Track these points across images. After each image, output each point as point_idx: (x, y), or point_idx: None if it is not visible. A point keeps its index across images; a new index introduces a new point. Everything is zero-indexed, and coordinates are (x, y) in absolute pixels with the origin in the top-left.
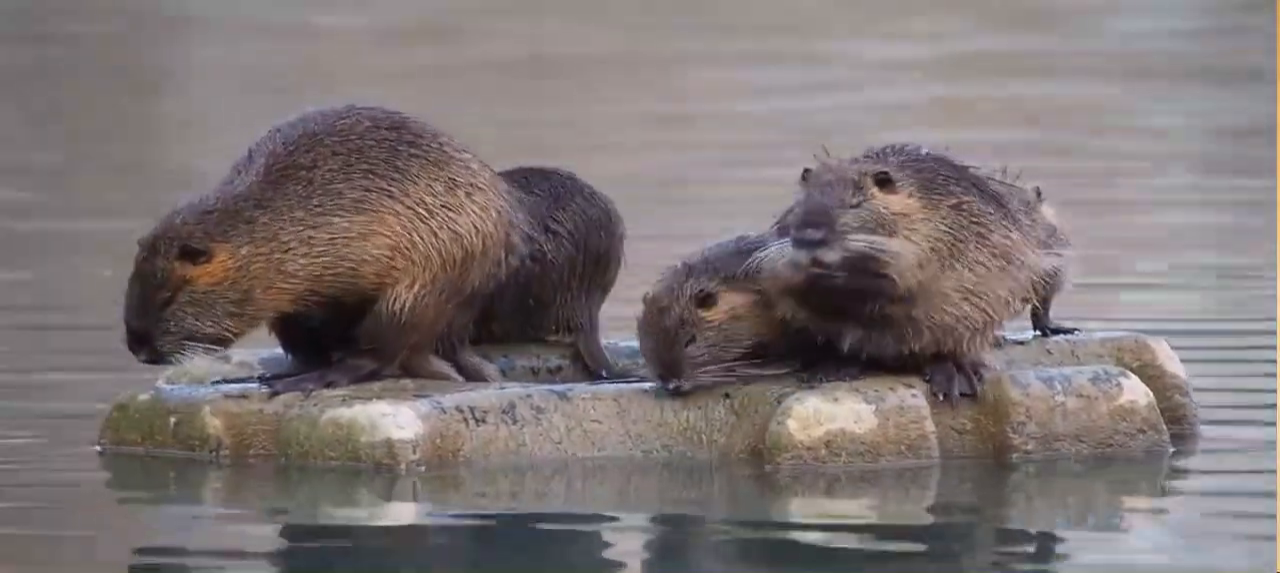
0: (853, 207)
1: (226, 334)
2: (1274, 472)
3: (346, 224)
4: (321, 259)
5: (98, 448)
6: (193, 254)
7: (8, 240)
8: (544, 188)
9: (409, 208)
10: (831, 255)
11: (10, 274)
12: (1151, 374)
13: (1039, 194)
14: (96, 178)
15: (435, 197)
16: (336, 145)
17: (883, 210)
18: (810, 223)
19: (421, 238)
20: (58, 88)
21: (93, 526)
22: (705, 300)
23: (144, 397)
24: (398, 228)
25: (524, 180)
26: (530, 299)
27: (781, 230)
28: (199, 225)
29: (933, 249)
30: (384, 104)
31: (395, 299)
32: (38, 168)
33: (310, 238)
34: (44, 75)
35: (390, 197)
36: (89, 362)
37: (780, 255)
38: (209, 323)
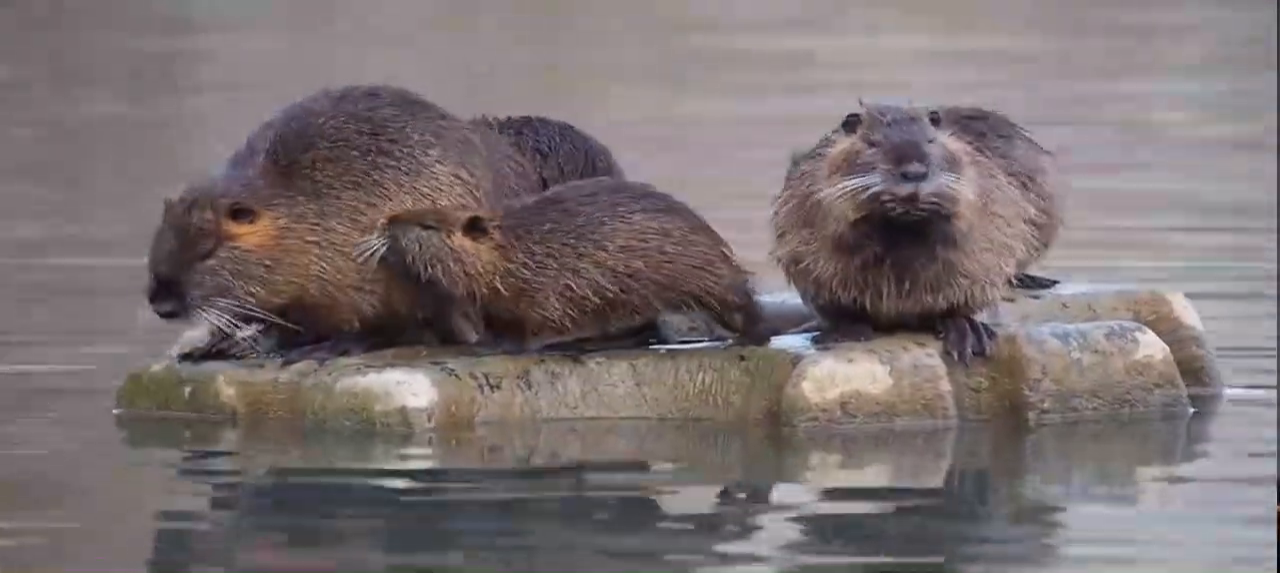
0: (931, 142)
1: (249, 299)
2: None
3: (341, 236)
4: (323, 259)
5: (115, 412)
6: (240, 214)
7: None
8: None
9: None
10: (929, 187)
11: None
12: (1168, 328)
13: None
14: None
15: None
16: (327, 150)
17: (949, 148)
18: (912, 156)
19: None
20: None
21: (119, 482)
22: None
23: (157, 367)
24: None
25: (571, 151)
26: None
27: (850, 167)
28: (245, 189)
29: (976, 193)
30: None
31: (386, 296)
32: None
33: (315, 240)
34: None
35: (371, 207)
36: (106, 330)
37: (862, 189)
38: (241, 284)
